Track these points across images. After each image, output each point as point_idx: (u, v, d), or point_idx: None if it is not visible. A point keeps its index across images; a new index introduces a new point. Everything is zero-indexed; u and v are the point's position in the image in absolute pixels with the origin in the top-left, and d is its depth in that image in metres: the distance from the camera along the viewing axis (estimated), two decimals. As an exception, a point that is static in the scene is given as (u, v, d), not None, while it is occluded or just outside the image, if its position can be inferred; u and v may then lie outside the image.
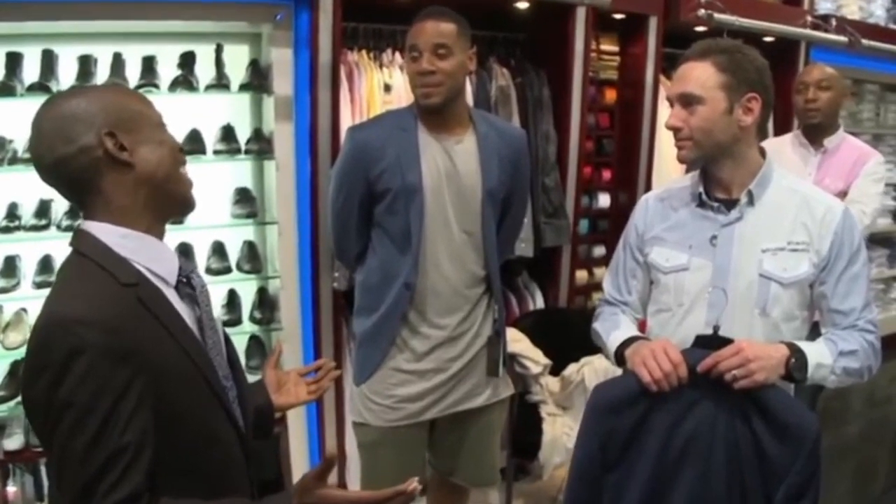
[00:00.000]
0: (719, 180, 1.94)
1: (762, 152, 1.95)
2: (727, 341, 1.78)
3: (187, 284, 1.41)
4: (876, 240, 5.64)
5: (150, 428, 1.23)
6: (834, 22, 4.54)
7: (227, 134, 3.11)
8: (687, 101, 1.86)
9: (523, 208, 2.72)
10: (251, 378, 3.11)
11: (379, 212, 2.40)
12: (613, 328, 2.06)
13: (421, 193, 2.33)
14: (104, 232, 1.32)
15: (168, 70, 3.00)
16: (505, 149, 2.45)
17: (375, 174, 2.35)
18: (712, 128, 1.85)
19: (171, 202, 1.41)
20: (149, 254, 1.34)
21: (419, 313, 2.42)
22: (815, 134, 3.28)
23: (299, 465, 3.21)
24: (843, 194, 3.04)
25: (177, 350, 1.31)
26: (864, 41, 4.58)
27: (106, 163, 1.31)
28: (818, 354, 1.81)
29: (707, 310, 1.91)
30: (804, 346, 1.81)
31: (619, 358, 1.98)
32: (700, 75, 1.85)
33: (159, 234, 1.40)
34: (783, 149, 3.30)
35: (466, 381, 2.49)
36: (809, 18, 4.44)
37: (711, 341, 1.80)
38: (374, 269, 2.45)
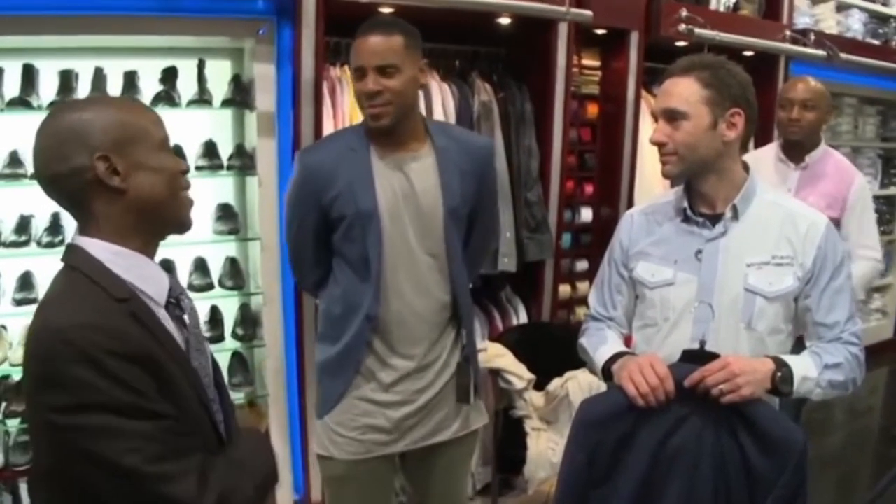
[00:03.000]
0: (703, 195, 1.95)
1: (745, 167, 1.96)
2: (713, 356, 1.79)
3: (177, 306, 1.41)
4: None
5: (174, 416, 1.26)
6: (812, 36, 4.60)
7: (210, 150, 3.09)
8: (671, 116, 1.87)
9: (491, 224, 2.57)
10: (235, 394, 3.14)
11: (336, 239, 2.26)
12: (600, 343, 2.06)
13: (377, 218, 2.18)
14: (97, 248, 1.32)
15: (150, 85, 3.00)
16: (467, 162, 2.28)
17: (328, 200, 2.20)
18: (696, 143, 1.86)
19: (165, 225, 1.41)
20: (140, 273, 1.34)
21: (384, 344, 2.26)
22: (796, 150, 3.26)
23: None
24: (832, 218, 2.99)
25: (170, 369, 1.30)
26: (843, 55, 4.64)
27: (97, 185, 1.30)
28: (804, 368, 1.82)
29: (693, 324, 1.91)
30: (790, 359, 1.82)
31: (607, 373, 1.98)
32: (684, 91, 1.86)
33: (151, 254, 1.39)
34: (761, 163, 3.29)
35: (436, 412, 2.33)
36: (788, 33, 4.48)
37: (698, 356, 1.81)
38: (337, 298, 2.30)
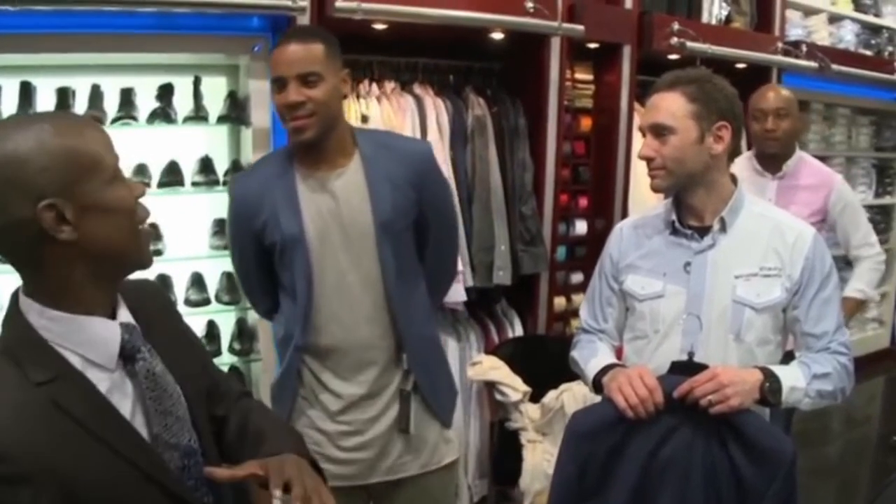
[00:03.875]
0: (692, 208, 1.97)
1: (734, 179, 1.98)
2: (702, 367, 1.80)
3: (133, 367, 1.23)
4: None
5: None
6: (804, 48, 4.62)
7: (206, 165, 3.11)
8: (658, 131, 1.89)
9: (448, 238, 2.36)
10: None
11: (275, 266, 2.16)
12: (591, 356, 2.07)
13: (304, 244, 2.06)
14: (33, 312, 1.14)
15: (146, 102, 3.02)
16: (399, 168, 2.10)
17: (259, 228, 2.10)
18: (684, 157, 1.88)
19: (122, 269, 1.24)
20: (79, 338, 1.16)
21: (326, 371, 2.14)
22: (773, 161, 3.24)
23: None
24: (817, 224, 3.01)
25: (100, 451, 1.13)
26: (835, 66, 4.67)
27: (42, 238, 1.10)
28: (792, 378, 1.83)
29: (682, 336, 1.93)
30: (778, 370, 1.84)
31: (598, 385, 1.99)
32: (670, 105, 1.88)
33: (104, 306, 1.21)
34: (738, 175, 3.30)
35: (395, 444, 2.17)
36: (780, 45, 4.51)
37: (687, 367, 1.83)
38: (280, 324, 2.21)
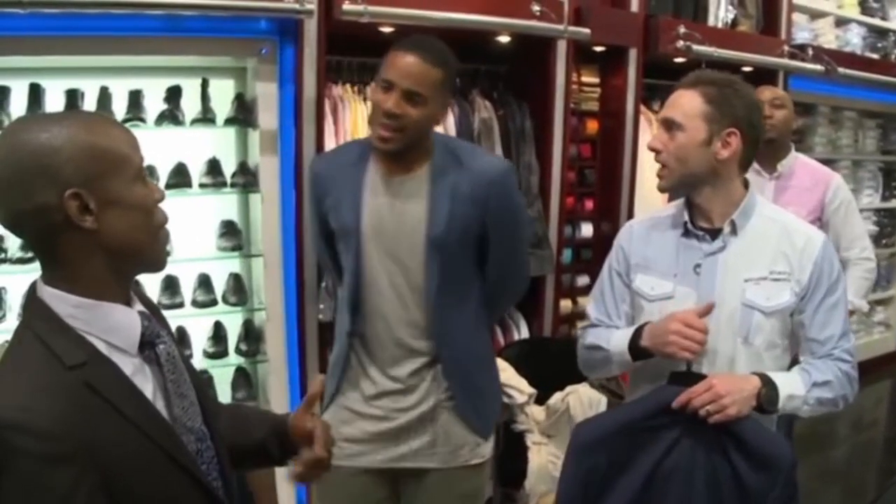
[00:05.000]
0: (700, 208, 1.95)
1: (746, 183, 1.97)
2: (700, 377, 1.80)
3: (153, 351, 1.27)
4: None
5: None
6: (811, 51, 4.62)
7: (213, 167, 3.12)
8: (669, 125, 1.89)
9: (513, 255, 2.29)
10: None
11: (337, 247, 2.23)
12: (610, 335, 2.03)
13: (357, 236, 2.10)
14: (56, 300, 1.17)
15: (154, 104, 3.03)
16: (465, 184, 2.08)
17: (325, 210, 2.18)
18: (687, 156, 1.86)
19: (138, 266, 1.28)
20: (104, 324, 1.19)
21: (368, 358, 2.19)
22: (770, 153, 3.22)
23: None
24: (814, 223, 3.01)
25: (131, 432, 1.17)
26: (841, 69, 4.66)
27: (65, 226, 1.14)
28: (790, 385, 1.83)
29: None
30: (776, 377, 1.83)
31: (634, 352, 1.95)
32: (686, 103, 1.87)
33: (123, 295, 1.24)
34: None
35: (418, 436, 2.20)
36: (786, 48, 4.51)
37: (685, 378, 1.83)
38: (338, 308, 2.29)
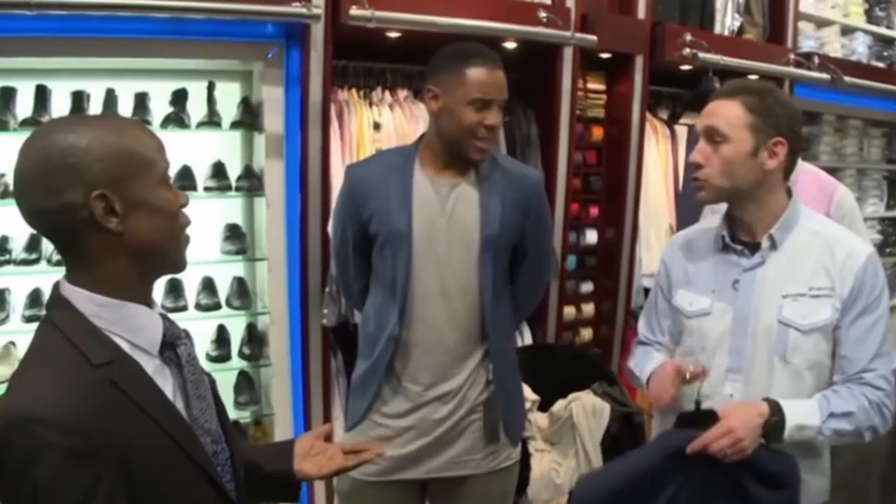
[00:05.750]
0: (742, 223, 1.89)
1: (789, 193, 1.90)
2: (710, 414, 1.74)
3: (173, 351, 1.29)
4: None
5: None
6: (816, 60, 4.61)
7: (218, 171, 3.13)
8: (711, 135, 1.82)
9: (542, 263, 2.43)
10: (241, 413, 3.15)
11: (374, 256, 2.26)
12: (646, 362, 2.05)
13: (408, 240, 2.16)
14: (81, 300, 1.19)
15: (160, 107, 3.04)
16: (511, 192, 2.22)
17: (367, 216, 2.21)
18: (735, 169, 1.80)
19: (160, 269, 1.30)
20: (128, 324, 1.22)
21: (406, 368, 2.23)
22: None
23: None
24: None
25: (153, 431, 1.19)
26: (847, 78, 4.65)
27: (90, 225, 1.16)
28: (802, 415, 1.74)
29: (729, 356, 1.87)
30: (787, 404, 1.75)
31: None
32: (728, 113, 1.81)
33: (145, 296, 1.28)
34: None
35: (454, 444, 2.26)
36: (792, 56, 4.50)
37: (695, 419, 1.77)
38: (370, 316, 2.29)
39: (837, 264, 1.80)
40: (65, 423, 1.08)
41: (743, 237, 1.90)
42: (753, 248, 1.87)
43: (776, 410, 1.73)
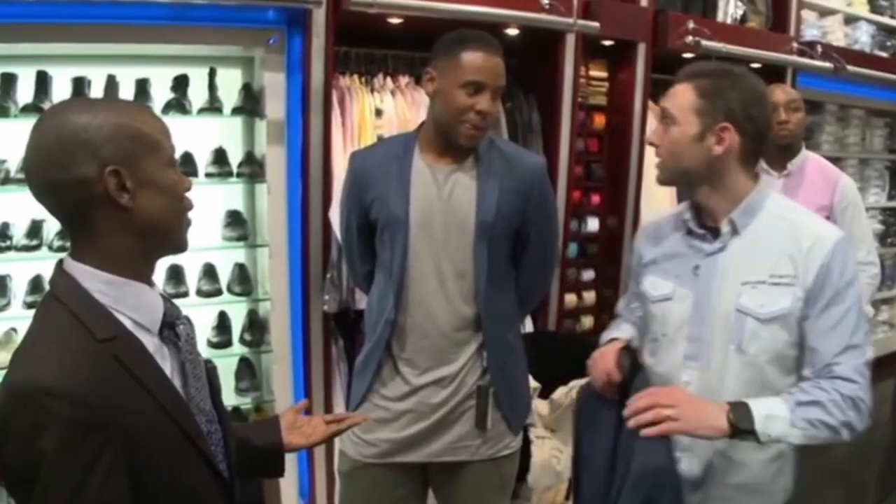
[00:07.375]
0: (702, 207, 1.85)
1: (756, 178, 1.83)
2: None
3: (172, 331, 1.32)
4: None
5: (125, 495, 1.15)
6: (819, 48, 4.60)
7: (220, 157, 3.13)
8: (664, 117, 1.82)
9: (547, 248, 2.40)
10: (242, 399, 3.16)
11: (376, 242, 2.27)
12: (609, 333, 2.09)
13: (405, 226, 2.17)
14: (86, 276, 1.22)
15: (161, 93, 3.04)
16: (511, 178, 2.20)
17: (368, 202, 2.23)
18: (680, 151, 1.78)
19: (164, 247, 1.32)
20: (131, 302, 1.24)
21: (402, 352, 2.24)
22: (783, 156, 3.23)
23: (288, 490, 3.21)
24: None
25: (153, 408, 1.21)
26: (850, 67, 4.64)
27: (102, 201, 1.19)
28: (768, 406, 1.65)
29: (687, 343, 1.83)
30: (751, 400, 1.66)
31: None
32: (679, 96, 1.79)
33: (147, 276, 1.30)
34: None
35: (452, 429, 2.27)
36: (795, 45, 4.49)
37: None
38: (373, 301, 2.31)
39: (803, 251, 1.71)
40: (71, 393, 1.10)
41: (708, 222, 1.85)
42: (716, 233, 1.83)
43: (736, 403, 1.65)
